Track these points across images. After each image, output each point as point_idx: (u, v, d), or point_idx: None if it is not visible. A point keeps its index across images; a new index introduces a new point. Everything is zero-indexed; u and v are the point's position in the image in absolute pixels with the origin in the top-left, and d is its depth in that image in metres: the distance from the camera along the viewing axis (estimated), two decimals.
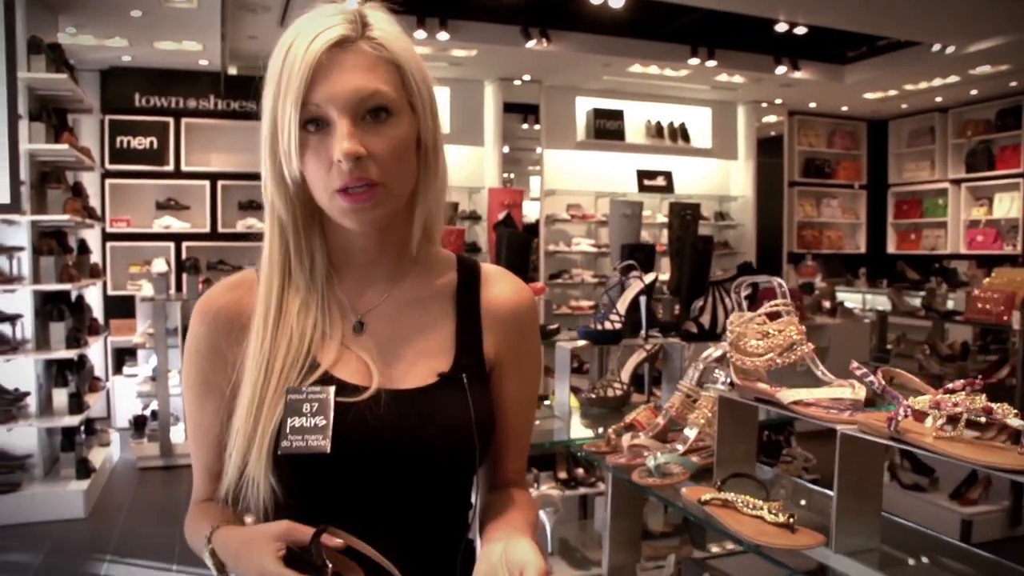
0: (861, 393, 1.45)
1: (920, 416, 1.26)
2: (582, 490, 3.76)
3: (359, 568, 0.96)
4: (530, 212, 7.95)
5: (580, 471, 3.78)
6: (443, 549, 1.07)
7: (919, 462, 4.53)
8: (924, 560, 1.51)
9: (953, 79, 7.83)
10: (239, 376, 1.07)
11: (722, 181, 9.02)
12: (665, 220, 7.55)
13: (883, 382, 1.30)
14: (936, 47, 6.93)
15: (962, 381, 1.23)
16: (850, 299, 7.27)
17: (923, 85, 8.15)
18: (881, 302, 6.80)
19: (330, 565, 0.89)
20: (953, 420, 1.24)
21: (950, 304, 5.90)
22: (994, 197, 8.85)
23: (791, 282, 8.07)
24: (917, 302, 5.84)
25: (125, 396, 6.93)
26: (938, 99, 8.81)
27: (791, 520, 1.45)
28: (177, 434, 6.05)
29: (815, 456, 4.17)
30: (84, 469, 5.21)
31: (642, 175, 8.33)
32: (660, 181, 8.37)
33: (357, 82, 1.00)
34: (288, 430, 1.01)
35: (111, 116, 7.12)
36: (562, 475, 3.90)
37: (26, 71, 4.84)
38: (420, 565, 1.04)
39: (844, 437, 1.38)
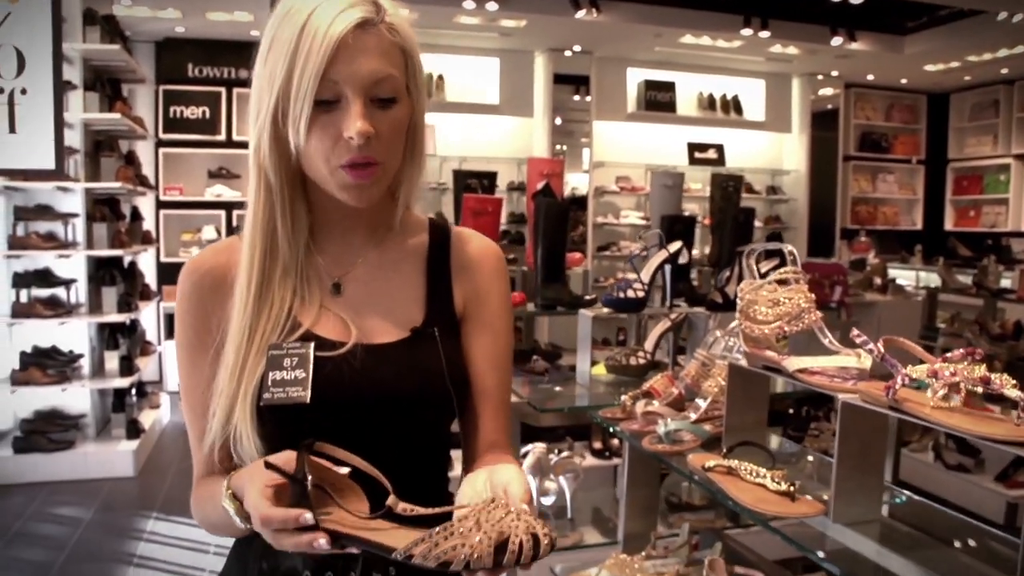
0: (867, 363, 1.43)
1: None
2: (616, 460, 3.76)
3: (353, 483, 0.98)
4: (580, 184, 7.91)
5: (615, 442, 3.79)
6: (421, 493, 1.09)
7: (964, 443, 4.44)
8: (925, 531, 1.49)
9: (1020, 49, 7.54)
10: (223, 335, 1.12)
11: (775, 155, 8.86)
12: (705, 196, 7.48)
13: (882, 350, 1.28)
14: (1002, 15, 6.65)
15: (962, 351, 1.20)
16: (903, 277, 7.10)
17: (987, 56, 7.87)
18: (935, 280, 6.65)
19: (310, 478, 0.91)
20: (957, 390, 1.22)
21: (1004, 283, 5.73)
22: None
23: (843, 258, 7.92)
24: (969, 280, 5.69)
25: (177, 361, 7.09)
26: (1003, 71, 8.50)
27: (792, 489, 1.44)
28: None
29: None
30: (134, 430, 5.37)
31: (693, 148, 8.22)
32: (711, 154, 8.26)
33: (374, 65, 1.04)
34: (270, 383, 1.06)
35: (165, 86, 7.26)
36: (597, 445, 3.91)
37: (81, 42, 4.96)
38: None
39: (845, 406, 1.37)
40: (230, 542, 1.30)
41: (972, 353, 1.20)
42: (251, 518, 0.94)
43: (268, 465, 0.93)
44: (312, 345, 1.09)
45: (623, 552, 2.10)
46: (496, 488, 0.93)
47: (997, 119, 9.09)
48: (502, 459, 1.17)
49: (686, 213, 5.09)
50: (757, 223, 7.33)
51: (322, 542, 0.89)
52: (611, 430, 2.05)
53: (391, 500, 0.93)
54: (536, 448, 2.41)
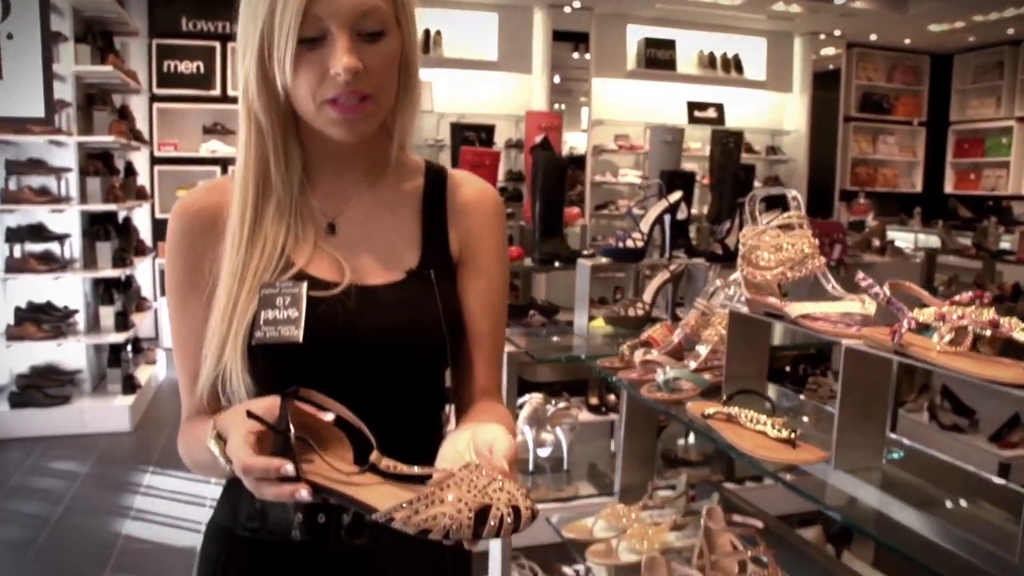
0: (871, 309, 1.40)
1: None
2: (612, 416, 3.75)
3: (339, 432, 0.96)
4: (579, 143, 7.84)
5: (612, 397, 3.78)
6: (414, 444, 1.07)
7: (959, 403, 4.44)
8: (926, 482, 1.48)
9: None
10: (215, 279, 1.10)
11: (775, 115, 8.77)
12: (704, 156, 7.40)
13: (888, 294, 1.25)
14: None
15: (970, 293, 1.18)
16: (902, 239, 7.06)
17: (993, 16, 7.75)
18: (934, 243, 6.61)
19: (292, 428, 0.89)
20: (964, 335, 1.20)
21: (1004, 245, 5.70)
22: None
23: (842, 220, 7.88)
24: (968, 242, 5.65)
25: None
26: (1009, 31, 8.38)
27: (793, 436, 1.42)
28: None
29: None
30: (130, 385, 5.36)
31: (692, 106, 8.13)
32: (711, 113, 8.17)
33: None
34: (262, 322, 1.05)
35: (158, 40, 7.13)
36: (593, 400, 3.91)
37: None
38: (392, 456, 1.05)
39: (848, 352, 1.34)
40: None
41: (981, 296, 1.17)
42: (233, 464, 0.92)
43: (250, 414, 0.91)
44: (305, 284, 1.07)
45: (619, 503, 2.09)
46: (480, 449, 0.91)
47: (1001, 81, 9.00)
48: (493, 408, 1.15)
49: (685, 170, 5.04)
50: (756, 183, 7.27)
51: (303, 493, 0.87)
52: (609, 381, 2.03)
53: (374, 456, 0.91)
54: (533, 398, 2.40)
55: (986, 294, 1.18)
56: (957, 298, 1.19)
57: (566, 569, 2.51)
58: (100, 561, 3.50)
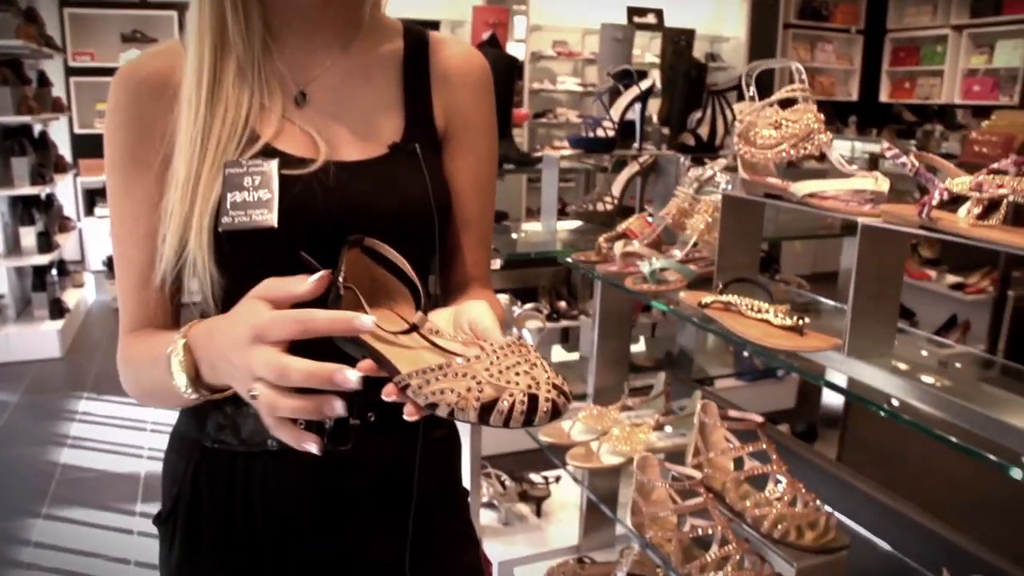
0: (885, 185, 1.31)
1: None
2: (564, 323, 3.69)
3: (401, 285, 0.86)
4: (516, 53, 7.59)
5: (562, 304, 3.70)
6: None
7: (900, 305, 4.48)
8: (939, 364, 1.41)
9: None
10: (169, 150, 0.95)
11: (715, 21, 8.62)
12: (654, 60, 7.23)
13: (916, 163, 1.15)
14: None
15: (1012, 159, 1.08)
16: (839, 147, 7.04)
17: None
18: (871, 150, 6.62)
19: (344, 283, 0.79)
20: (992, 209, 1.11)
21: (945, 148, 5.73)
22: (996, 44, 8.50)
23: None
24: (912, 146, 5.67)
25: (98, 238, 6.77)
26: None
27: (800, 323, 1.33)
28: None
29: None
30: (58, 309, 5.11)
31: (632, 12, 7.91)
32: (650, 19, 7.97)
33: None
34: (229, 205, 0.91)
35: None
36: (543, 308, 3.83)
37: None
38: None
39: (866, 230, 1.25)
40: (170, 418, 1.13)
41: (1021, 163, 1.08)
42: (241, 371, 0.75)
43: (302, 260, 0.79)
44: (276, 162, 0.93)
45: (595, 406, 2.00)
46: (460, 320, 0.81)
47: None
48: (484, 298, 1.03)
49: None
50: None
51: (338, 406, 0.72)
52: (583, 274, 1.92)
53: (418, 317, 0.79)
54: (499, 299, 2.27)
55: None
56: (995, 165, 1.09)
57: (534, 476, 2.43)
58: (39, 493, 3.34)
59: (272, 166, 0.93)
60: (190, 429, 1.06)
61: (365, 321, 0.72)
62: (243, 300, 0.80)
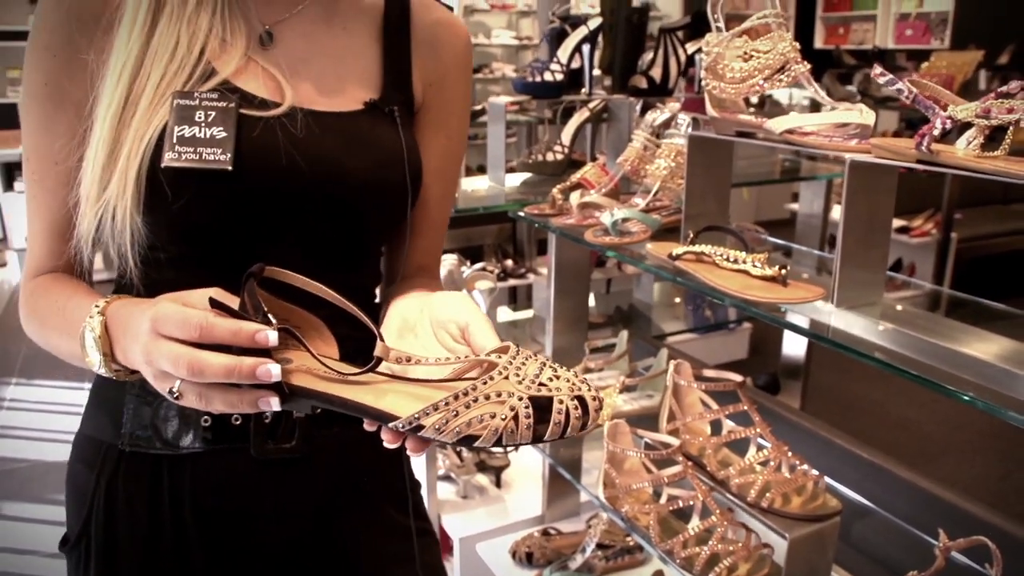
0: (870, 118, 1.19)
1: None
2: (512, 282, 3.57)
3: (317, 320, 0.73)
4: (450, 5, 7.37)
5: (509, 262, 3.57)
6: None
7: None
8: (925, 311, 1.32)
9: None
10: (100, 82, 0.81)
11: None
12: (590, 10, 7.08)
13: (914, 91, 1.03)
14: None
15: (1019, 83, 0.97)
16: (776, 93, 7.02)
17: None
18: (808, 95, 6.58)
19: (274, 320, 0.66)
20: (993, 139, 1.00)
21: (885, 91, 5.70)
22: None
23: None
24: (854, 90, 5.63)
25: (20, 213, 6.41)
26: None
27: (782, 273, 1.22)
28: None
29: None
30: None
31: None
32: None
33: None
34: (175, 140, 0.77)
35: None
36: (491, 268, 3.70)
37: None
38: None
39: (855, 167, 1.13)
40: None
41: None
42: (161, 360, 0.64)
43: (213, 302, 0.65)
44: (236, 98, 0.81)
45: None
46: (448, 329, 0.73)
47: None
48: (433, 288, 0.90)
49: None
50: None
51: (273, 402, 0.64)
52: (534, 231, 1.78)
53: (380, 348, 0.67)
54: (447, 260, 2.13)
55: None
56: (1003, 89, 0.98)
57: (493, 448, 2.31)
58: None
59: (232, 101, 0.80)
60: (98, 430, 0.91)
61: (273, 370, 0.63)
62: (175, 294, 0.69)
